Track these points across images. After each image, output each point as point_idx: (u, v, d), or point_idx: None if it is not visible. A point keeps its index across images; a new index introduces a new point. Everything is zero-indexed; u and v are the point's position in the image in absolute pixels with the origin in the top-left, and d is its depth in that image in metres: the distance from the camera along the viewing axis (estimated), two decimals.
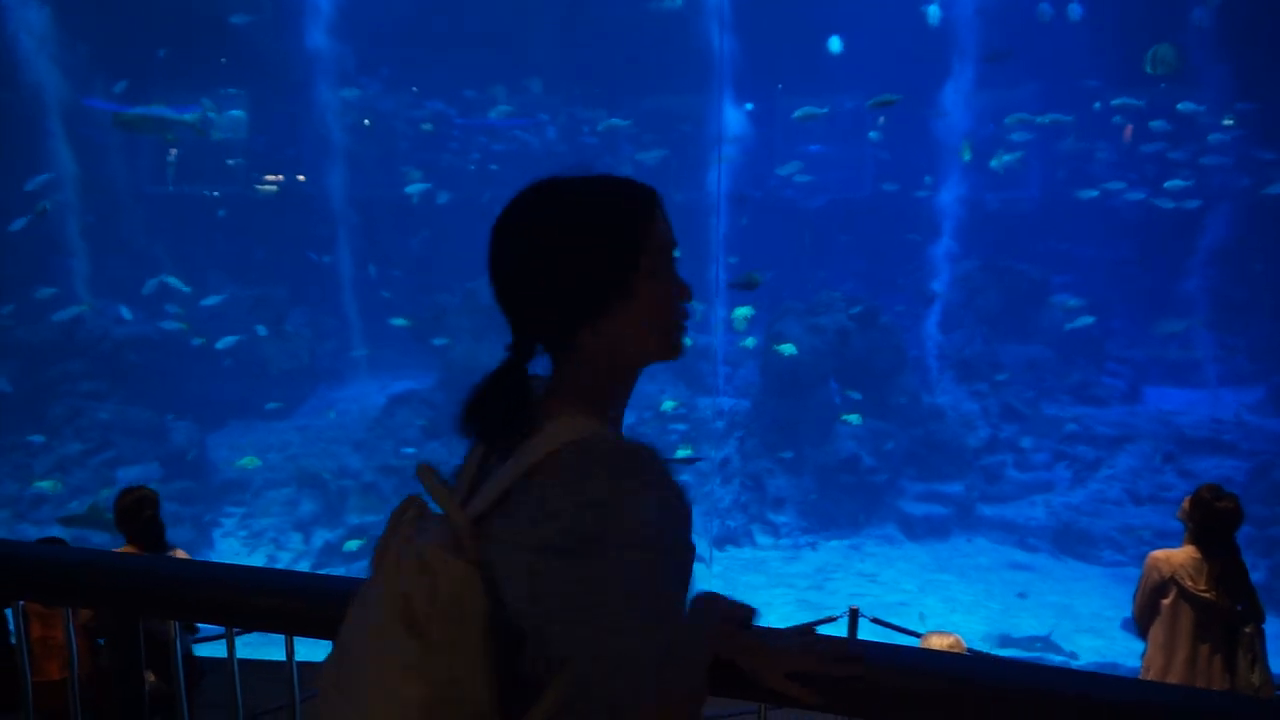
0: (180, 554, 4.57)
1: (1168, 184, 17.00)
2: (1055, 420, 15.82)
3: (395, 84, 20.35)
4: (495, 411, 1.33)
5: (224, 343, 15.60)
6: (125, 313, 15.96)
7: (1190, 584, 4.42)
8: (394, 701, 1.20)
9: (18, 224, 14.47)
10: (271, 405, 16.92)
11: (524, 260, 1.31)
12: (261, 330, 16.96)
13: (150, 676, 3.63)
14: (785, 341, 15.07)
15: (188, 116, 13.89)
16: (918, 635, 4.90)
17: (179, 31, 16.47)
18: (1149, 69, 12.40)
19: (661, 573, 1.19)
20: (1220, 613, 4.38)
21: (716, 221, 17.13)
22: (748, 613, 1.46)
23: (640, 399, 16.43)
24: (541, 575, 1.18)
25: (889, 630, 5.35)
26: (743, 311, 15.20)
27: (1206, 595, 4.39)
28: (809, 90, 16.50)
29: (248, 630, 1.90)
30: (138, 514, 4.26)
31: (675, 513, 1.22)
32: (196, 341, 15.73)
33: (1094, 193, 17.30)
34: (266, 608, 1.72)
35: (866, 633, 5.25)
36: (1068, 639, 11.38)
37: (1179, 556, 4.50)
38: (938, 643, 3.87)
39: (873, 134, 17.69)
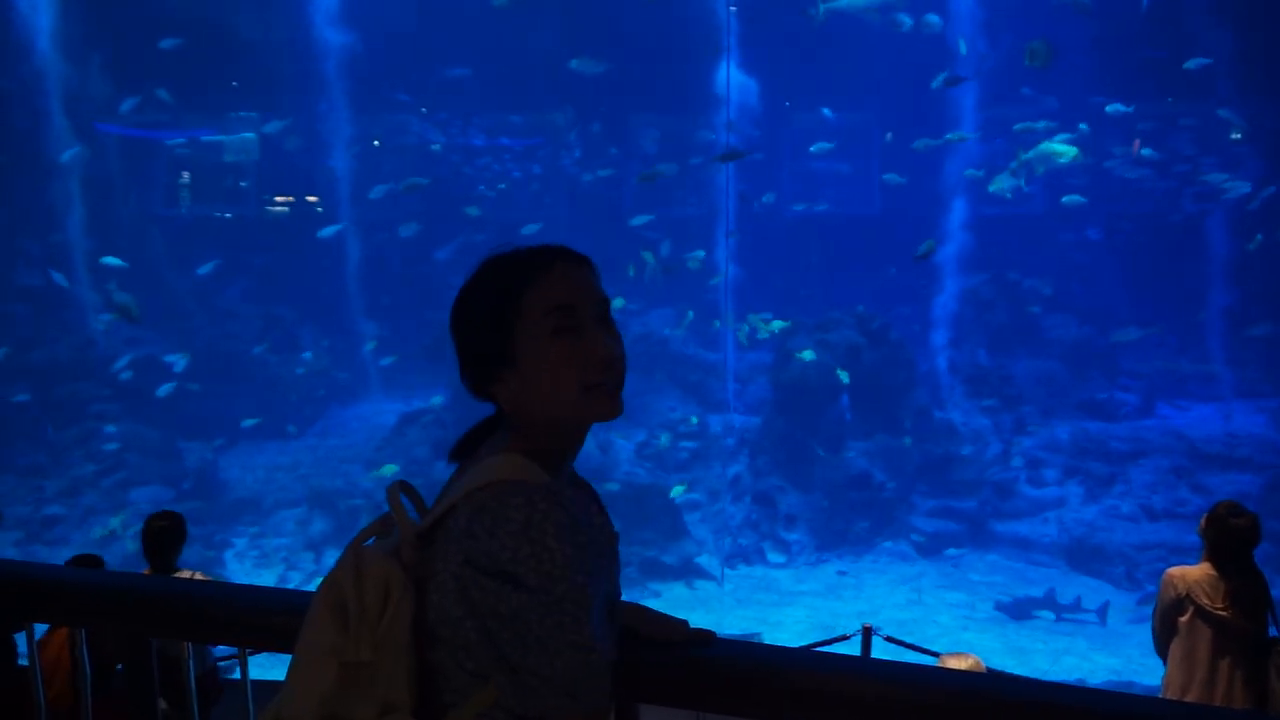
0: (191, 575, 4.58)
1: (1178, 196, 16.97)
2: (1067, 435, 15.73)
3: (407, 107, 20.50)
4: (469, 439, 1.59)
5: (163, 390, 15.00)
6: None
7: (1206, 601, 4.36)
8: (312, 678, 1.38)
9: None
10: (283, 424, 16.96)
11: (450, 329, 1.55)
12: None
13: (162, 703, 3.58)
14: (795, 353, 15.10)
15: None
16: (934, 654, 4.86)
17: (190, 54, 16.61)
18: (1027, 61, 12.20)
19: (575, 605, 1.34)
20: (1237, 631, 4.32)
21: (724, 238, 17.16)
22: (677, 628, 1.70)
23: (651, 416, 16.44)
24: (469, 589, 1.35)
25: (903, 648, 5.31)
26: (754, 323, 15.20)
27: (1222, 613, 4.33)
28: (816, 107, 16.56)
29: (259, 650, 1.90)
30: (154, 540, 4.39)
31: (586, 549, 1.38)
32: (169, 358, 15.59)
33: (1103, 206, 17.30)
34: (279, 627, 1.72)
35: (880, 651, 5.21)
36: (1084, 656, 11.29)
37: (1195, 573, 4.45)
38: (955, 664, 3.83)
39: (840, 149, 17.48)
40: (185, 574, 4.47)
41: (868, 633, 4.78)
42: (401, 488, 1.50)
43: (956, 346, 17.14)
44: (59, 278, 15.65)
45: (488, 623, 1.34)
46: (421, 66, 18.76)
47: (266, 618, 1.70)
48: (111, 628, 1.78)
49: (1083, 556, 13.93)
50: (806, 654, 1.62)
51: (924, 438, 15.26)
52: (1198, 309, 17.63)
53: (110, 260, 15.30)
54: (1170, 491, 14.41)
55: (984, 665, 3.82)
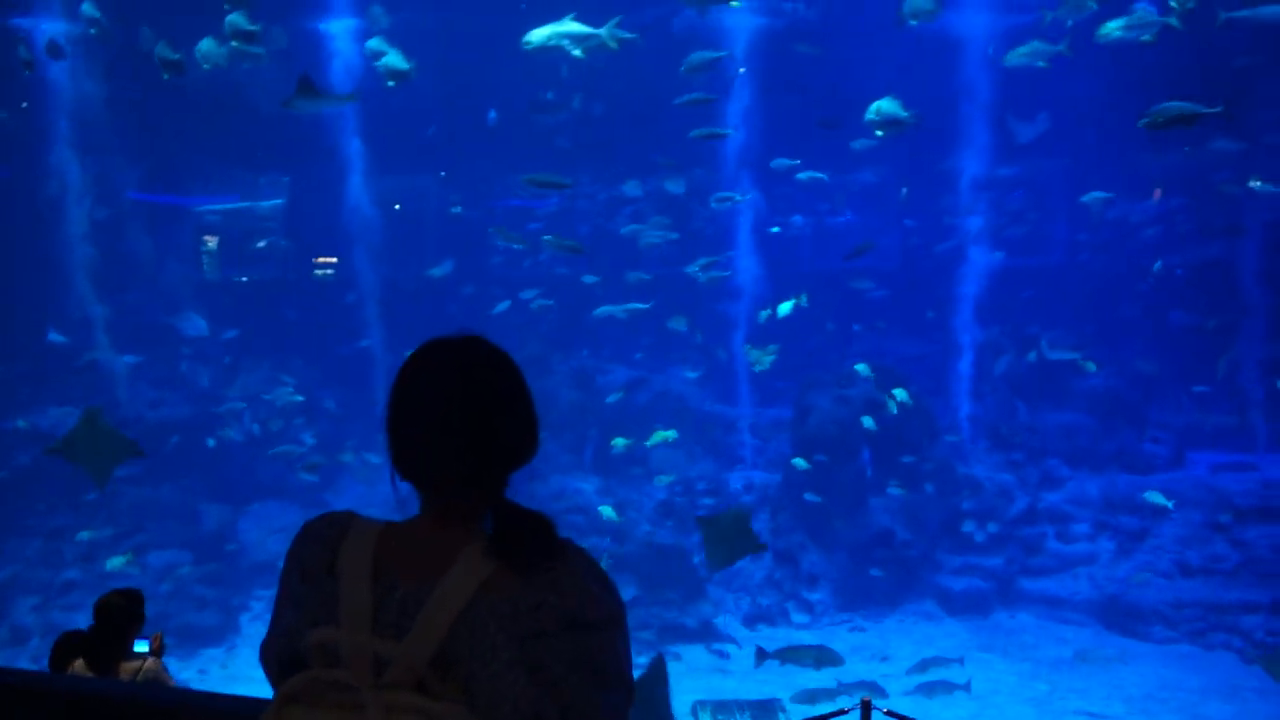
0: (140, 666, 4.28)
1: (1204, 244, 16.74)
2: (1096, 489, 15.33)
3: (424, 168, 20.79)
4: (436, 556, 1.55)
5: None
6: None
7: None
8: None
9: None
10: (300, 485, 16.95)
11: (505, 415, 1.57)
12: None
13: None
14: (814, 409, 14.97)
15: None
16: None
17: (214, 119, 16.95)
18: (870, 116, 11.57)
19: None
20: None
21: (740, 296, 17.17)
22: None
23: (670, 475, 16.23)
24: (538, 655, 1.37)
25: None
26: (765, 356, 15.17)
27: None
28: (830, 167, 16.57)
29: None
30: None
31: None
32: (231, 433, 15.84)
33: (1127, 255, 17.06)
34: None
35: None
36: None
37: None
38: None
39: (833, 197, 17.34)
40: (135, 665, 4.17)
41: (867, 707, 4.57)
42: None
43: (978, 399, 16.87)
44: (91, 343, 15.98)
45: (563, 685, 1.37)
46: (441, 129, 19.04)
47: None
48: None
49: (1117, 615, 13.48)
50: None
51: (947, 493, 14.95)
52: (1227, 358, 17.25)
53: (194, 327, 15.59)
54: (1205, 546, 13.94)
55: None
